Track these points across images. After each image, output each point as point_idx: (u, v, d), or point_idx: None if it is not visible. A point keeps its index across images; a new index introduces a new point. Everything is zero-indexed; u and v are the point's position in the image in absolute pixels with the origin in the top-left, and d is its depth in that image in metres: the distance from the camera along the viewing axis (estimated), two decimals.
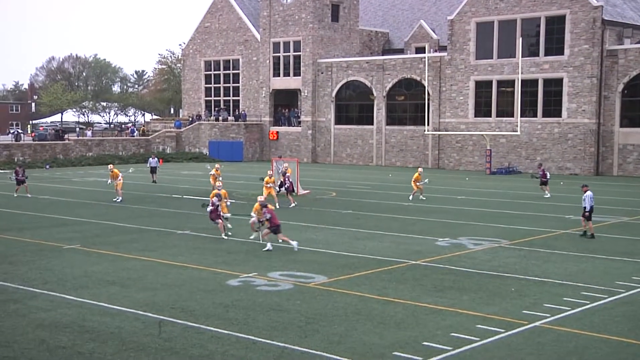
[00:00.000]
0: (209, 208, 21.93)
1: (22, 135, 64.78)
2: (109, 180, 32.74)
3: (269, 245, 19.85)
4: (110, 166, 33.98)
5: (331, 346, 11.55)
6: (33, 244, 20.66)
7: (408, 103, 57.73)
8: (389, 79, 57.85)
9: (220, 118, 66.47)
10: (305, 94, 63.10)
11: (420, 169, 33.91)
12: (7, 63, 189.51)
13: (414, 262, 18.35)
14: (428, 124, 53.49)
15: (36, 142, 59.37)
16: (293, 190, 30.95)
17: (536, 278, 16.52)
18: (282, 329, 12.47)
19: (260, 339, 11.83)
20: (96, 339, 11.77)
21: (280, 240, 19.81)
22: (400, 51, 65.54)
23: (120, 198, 31.53)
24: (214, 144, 64.40)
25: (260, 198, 21.37)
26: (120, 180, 32.06)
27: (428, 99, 54.28)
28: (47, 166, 53.82)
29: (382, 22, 72.24)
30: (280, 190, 30.42)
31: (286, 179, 30.53)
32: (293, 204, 29.46)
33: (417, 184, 32.36)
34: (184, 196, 33.03)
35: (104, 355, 11.04)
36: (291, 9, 62.99)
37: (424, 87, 54.68)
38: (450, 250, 20.05)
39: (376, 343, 11.72)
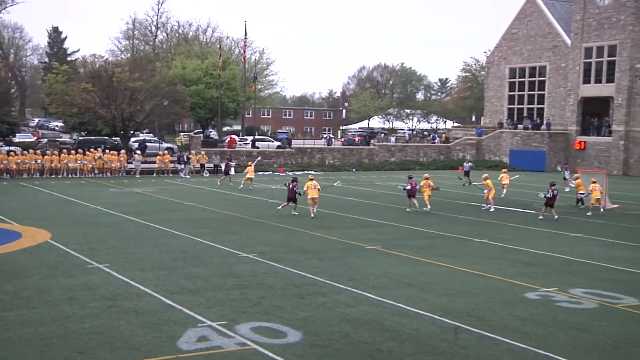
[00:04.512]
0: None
1: (333, 140, 69.75)
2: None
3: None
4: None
5: None
6: (339, 242, 22.00)
7: None
8: None
9: (523, 126, 64.90)
10: (619, 102, 58.93)
11: None
12: (324, 73, 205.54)
13: None
14: None
15: (345, 146, 63.45)
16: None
17: None
18: (585, 350, 11.75)
19: (561, 358, 11.26)
20: (395, 339, 12.14)
21: None
22: None
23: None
24: (515, 152, 63.00)
25: None
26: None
27: None
28: (354, 170, 57.05)
29: None
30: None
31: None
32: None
33: None
34: (484, 206, 32.73)
35: (401, 355, 11.34)
36: (608, 11, 59.28)
37: None
38: None
39: None
